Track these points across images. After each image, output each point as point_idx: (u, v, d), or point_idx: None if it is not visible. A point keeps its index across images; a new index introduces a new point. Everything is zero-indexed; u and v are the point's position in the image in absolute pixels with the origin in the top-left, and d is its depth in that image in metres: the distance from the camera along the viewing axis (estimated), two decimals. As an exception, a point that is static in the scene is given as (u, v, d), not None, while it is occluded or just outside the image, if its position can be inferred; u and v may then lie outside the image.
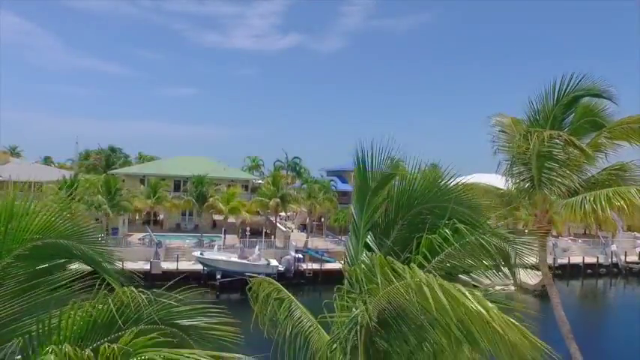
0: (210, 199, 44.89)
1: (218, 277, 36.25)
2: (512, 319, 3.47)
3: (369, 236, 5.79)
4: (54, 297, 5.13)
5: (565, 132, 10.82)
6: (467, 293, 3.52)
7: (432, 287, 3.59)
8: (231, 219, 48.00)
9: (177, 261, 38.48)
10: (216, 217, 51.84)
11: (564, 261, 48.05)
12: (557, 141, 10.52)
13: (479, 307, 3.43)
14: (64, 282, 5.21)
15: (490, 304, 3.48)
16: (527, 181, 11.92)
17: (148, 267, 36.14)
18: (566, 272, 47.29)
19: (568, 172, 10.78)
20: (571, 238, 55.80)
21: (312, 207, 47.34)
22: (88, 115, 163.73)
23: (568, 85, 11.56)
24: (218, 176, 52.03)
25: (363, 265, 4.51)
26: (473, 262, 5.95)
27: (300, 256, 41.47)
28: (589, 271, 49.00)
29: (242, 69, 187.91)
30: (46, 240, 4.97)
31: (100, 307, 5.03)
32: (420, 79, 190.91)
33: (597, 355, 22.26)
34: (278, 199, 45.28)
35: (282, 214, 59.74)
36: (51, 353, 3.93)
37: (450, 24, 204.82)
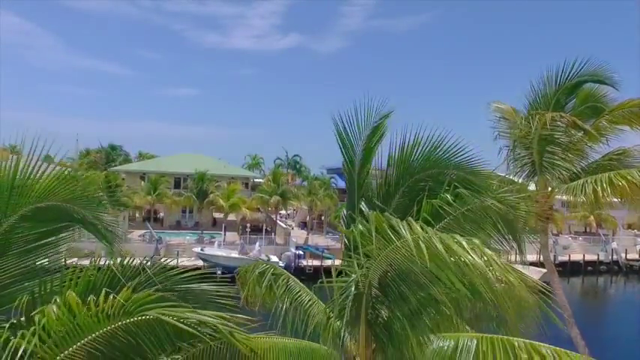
0: (211, 195, 44.90)
1: (218, 272, 36.21)
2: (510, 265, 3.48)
3: (362, 202, 5.76)
4: (56, 259, 5.14)
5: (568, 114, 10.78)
6: (465, 243, 3.50)
7: (431, 241, 3.56)
8: (232, 217, 47.96)
9: (178, 257, 38.44)
10: (217, 215, 51.83)
11: (565, 258, 48.00)
12: (560, 123, 10.49)
13: (475, 258, 3.42)
14: (66, 245, 5.21)
15: (488, 252, 3.46)
16: (528, 166, 11.88)
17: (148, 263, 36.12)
18: (567, 269, 47.19)
19: (570, 155, 10.74)
20: (571, 235, 55.76)
21: (312, 204, 47.32)
22: (88, 115, 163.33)
23: (571, 70, 11.53)
24: (218, 173, 52.06)
25: (360, 226, 4.44)
26: (475, 230, 5.92)
27: (301, 252, 41.41)
28: (589, 268, 48.94)
29: (242, 69, 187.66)
30: (49, 203, 4.97)
31: (100, 269, 5.06)
32: (420, 79, 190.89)
33: (598, 346, 22.14)
34: (278, 196, 45.26)
35: (283, 212, 59.74)
36: (53, 304, 3.92)
37: (451, 24, 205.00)
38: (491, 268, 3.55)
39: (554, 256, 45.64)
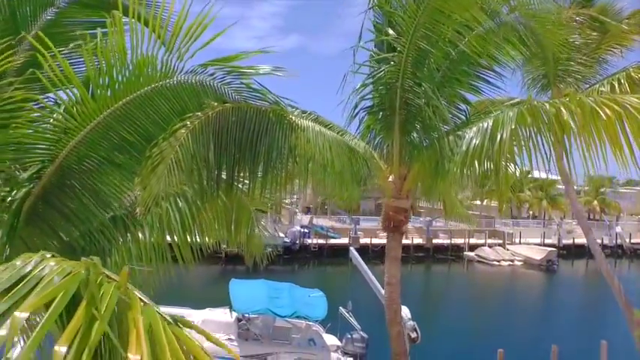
0: (216, 173, 44.93)
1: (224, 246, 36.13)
2: None
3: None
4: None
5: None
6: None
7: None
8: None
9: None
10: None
11: (569, 242, 48.04)
12: (580, 19, 10.67)
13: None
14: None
15: None
16: (541, 79, 11.94)
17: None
18: (571, 253, 47.19)
19: (587, 58, 10.82)
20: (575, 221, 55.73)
21: (317, 185, 47.21)
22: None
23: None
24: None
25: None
26: (503, 44, 6.01)
27: (306, 230, 41.33)
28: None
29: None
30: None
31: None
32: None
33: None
34: (283, 176, 45.15)
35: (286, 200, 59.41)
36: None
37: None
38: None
39: (559, 239, 46.06)
